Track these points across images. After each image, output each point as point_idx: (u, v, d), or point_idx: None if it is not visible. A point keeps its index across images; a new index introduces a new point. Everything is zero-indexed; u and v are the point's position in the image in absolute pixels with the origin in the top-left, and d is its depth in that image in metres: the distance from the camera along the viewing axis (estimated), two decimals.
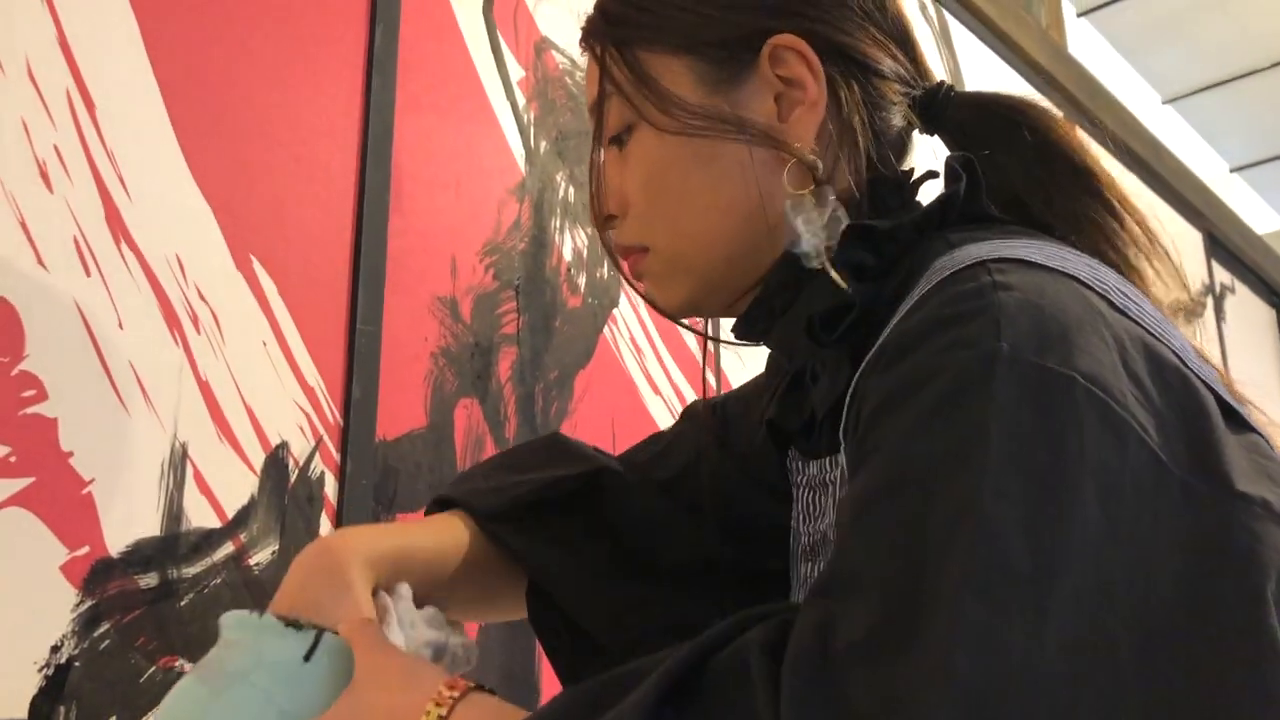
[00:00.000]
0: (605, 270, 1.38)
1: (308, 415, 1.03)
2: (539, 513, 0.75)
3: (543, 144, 1.35)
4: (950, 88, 0.68)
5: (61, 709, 0.82)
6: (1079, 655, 0.42)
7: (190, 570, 0.92)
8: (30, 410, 0.85)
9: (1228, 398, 0.51)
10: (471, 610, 0.77)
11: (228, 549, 0.95)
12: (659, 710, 0.46)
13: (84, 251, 0.90)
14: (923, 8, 2.21)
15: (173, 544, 0.91)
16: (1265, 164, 4.81)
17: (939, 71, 0.70)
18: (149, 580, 0.89)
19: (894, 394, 0.49)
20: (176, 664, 0.89)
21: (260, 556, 0.97)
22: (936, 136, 0.69)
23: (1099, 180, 0.62)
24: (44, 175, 0.89)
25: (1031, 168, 0.62)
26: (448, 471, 1.14)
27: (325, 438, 1.04)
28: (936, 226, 0.61)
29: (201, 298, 0.97)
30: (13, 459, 0.83)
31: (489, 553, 0.73)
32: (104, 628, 0.86)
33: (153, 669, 0.88)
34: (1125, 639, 0.43)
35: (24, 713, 0.80)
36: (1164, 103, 4.31)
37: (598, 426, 1.32)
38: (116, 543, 0.88)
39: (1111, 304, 0.51)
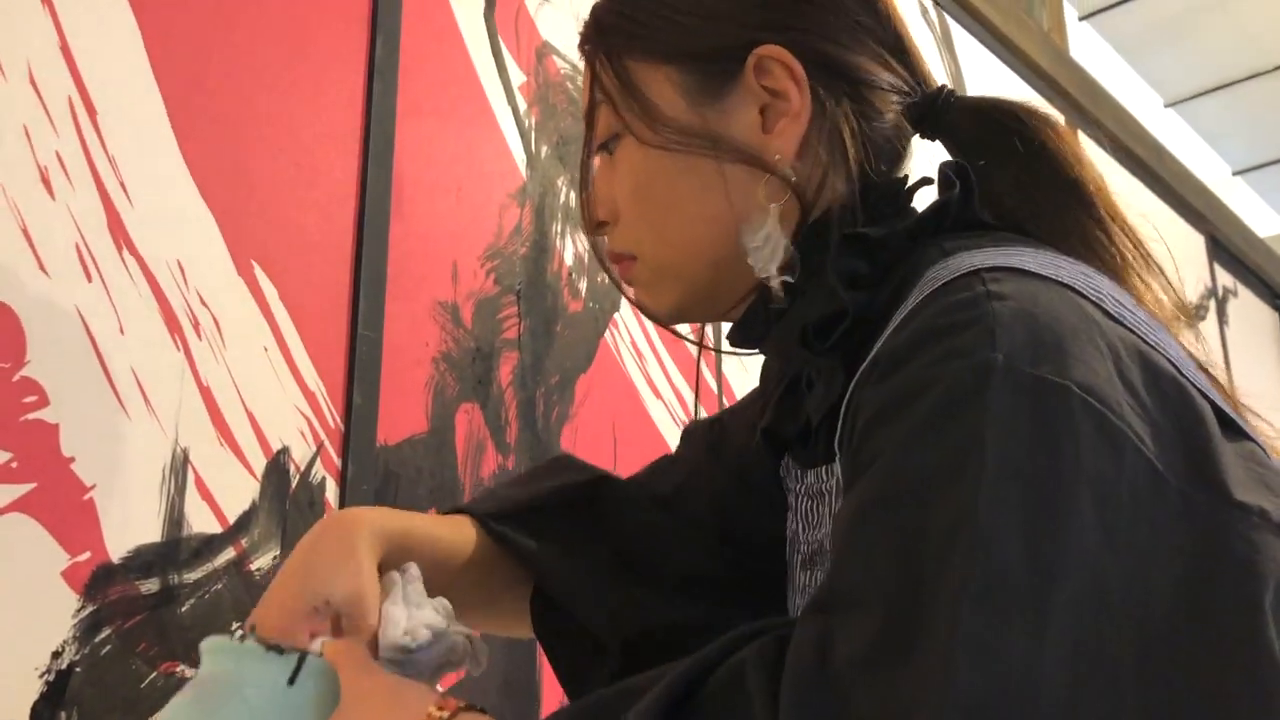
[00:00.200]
0: (606, 275, 1.38)
1: (309, 420, 1.03)
2: (542, 515, 0.76)
3: (544, 149, 1.35)
4: (950, 93, 0.67)
5: (62, 715, 0.82)
6: (1078, 664, 0.42)
7: (191, 576, 0.92)
8: (31, 416, 0.85)
9: (1224, 406, 0.51)
10: (473, 614, 0.77)
11: (229, 554, 0.95)
12: None
13: (85, 257, 0.90)
14: (924, 11, 2.21)
15: (174, 549, 0.91)
16: (1267, 167, 4.80)
17: (940, 76, 0.70)
18: (150, 586, 0.89)
19: (888, 405, 0.49)
20: (178, 669, 0.89)
21: (261, 562, 0.97)
22: (939, 142, 0.69)
23: (1089, 192, 0.62)
24: (45, 181, 0.89)
25: (1020, 178, 0.62)
26: (449, 476, 1.14)
27: (326, 443, 1.04)
28: (931, 234, 0.61)
29: (203, 303, 0.97)
30: (14, 464, 0.83)
31: (492, 552, 0.74)
32: (105, 633, 0.86)
33: (154, 674, 0.88)
34: (1123, 648, 0.43)
35: (25, 719, 0.80)
36: (1166, 106, 4.31)
37: (599, 431, 1.32)
38: (118, 548, 0.88)
39: (1106, 312, 0.51)
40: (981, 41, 2.41)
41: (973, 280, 0.51)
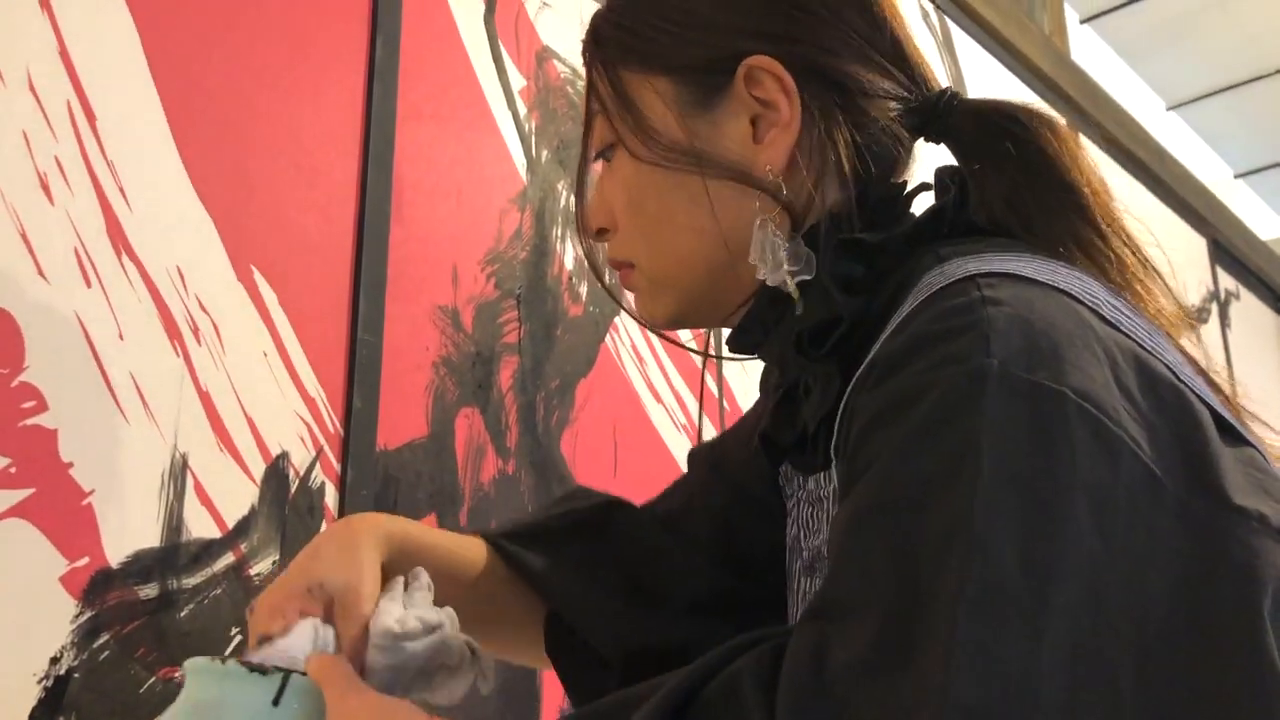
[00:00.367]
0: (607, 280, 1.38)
1: (308, 425, 1.03)
2: (551, 536, 0.79)
3: (544, 153, 1.35)
4: (953, 96, 0.67)
5: None
6: (1076, 670, 0.42)
7: (190, 581, 0.92)
8: (30, 421, 0.85)
9: (1223, 411, 0.51)
10: (480, 632, 0.78)
11: (228, 559, 0.95)
12: None
13: (84, 262, 0.90)
14: (925, 15, 2.21)
15: (173, 555, 0.91)
16: (1270, 170, 4.80)
17: (942, 79, 0.70)
18: (149, 591, 0.89)
19: (884, 411, 0.49)
20: (176, 675, 0.89)
21: (261, 567, 0.97)
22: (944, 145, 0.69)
23: (1085, 198, 0.62)
24: (45, 186, 0.89)
25: (1015, 182, 0.62)
26: (449, 481, 1.14)
27: (326, 448, 1.04)
28: (927, 240, 0.61)
29: (202, 308, 0.97)
30: (12, 470, 0.83)
31: (501, 570, 0.76)
32: (104, 639, 0.86)
33: (152, 680, 0.88)
34: (1121, 655, 0.43)
35: None
36: (1168, 109, 4.30)
37: (599, 435, 1.32)
38: (116, 553, 0.88)
39: (1102, 318, 0.51)
40: (982, 45, 2.41)
41: (968, 286, 0.51)
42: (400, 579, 0.66)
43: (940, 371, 0.47)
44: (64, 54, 0.92)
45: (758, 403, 0.81)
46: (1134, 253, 0.61)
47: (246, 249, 1.01)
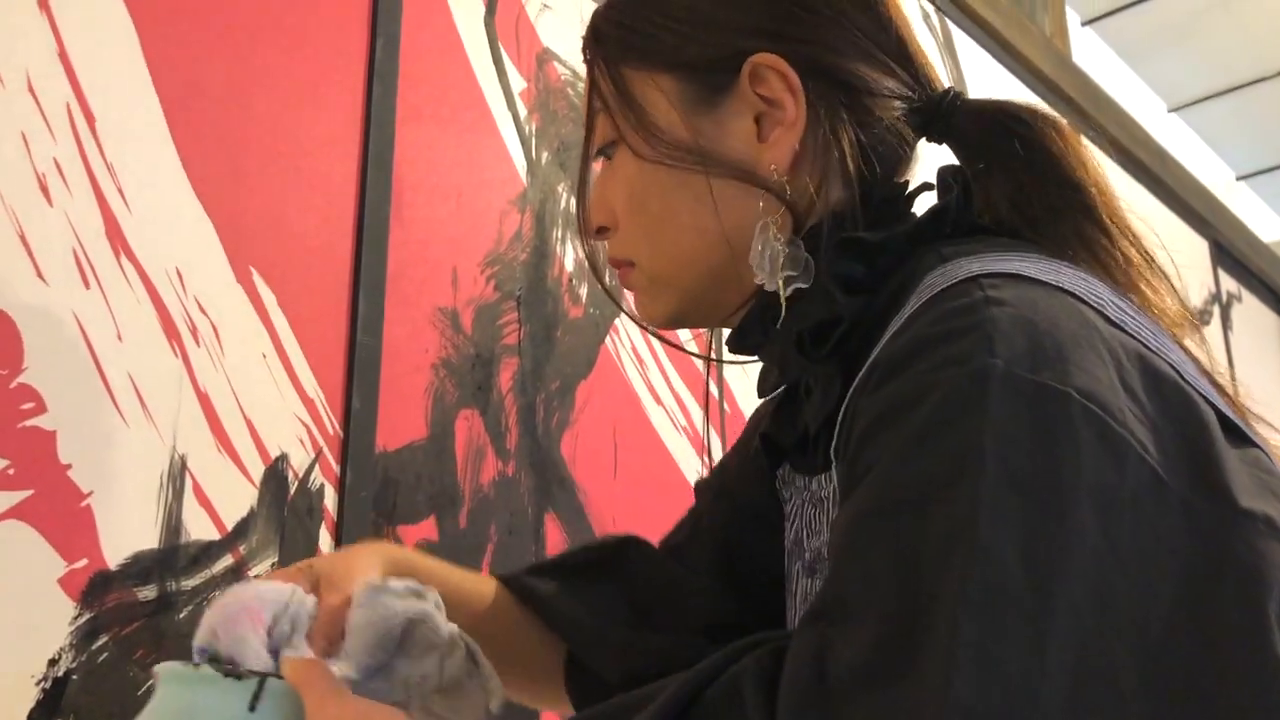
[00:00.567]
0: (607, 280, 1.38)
1: (307, 427, 1.03)
2: (561, 570, 0.80)
3: (544, 155, 1.35)
4: (956, 96, 0.67)
5: None
6: (1079, 676, 0.41)
7: (189, 583, 0.92)
8: (29, 423, 0.85)
9: (1227, 411, 0.51)
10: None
11: (227, 561, 0.94)
12: None
13: (83, 264, 0.90)
14: (925, 17, 2.21)
15: (171, 556, 0.91)
16: (1271, 172, 4.79)
17: (945, 81, 0.70)
18: (147, 593, 0.89)
19: (886, 413, 0.49)
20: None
21: (259, 569, 0.97)
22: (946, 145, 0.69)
23: (1091, 197, 0.61)
24: (44, 188, 0.89)
25: (1021, 182, 0.62)
26: (448, 482, 1.14)
27: (325, 449, 1.04)
28: (929, 239, 0.60)
29: (201, 310, 0.97)
30: (11, 471, 0.83)
31: (511, 608, 0.77)
32: (102, 640, 0.85)
33: (151, 682, 0.87)
34: (1126, 659, 0.43)
35: None
36: (1169, 111, 4.30)
37: (599, 437, 1.32)
38: (115, 555, 0.87)
39: (1106, 318, 0.51)
40: (984, 47, 2.41)
41: (971, 287, 0.51)
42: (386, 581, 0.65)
43: (943, 372, 0.47)
44: (63, 55, 0.92)
45: (756, 411, 0.81)
46: (1140, 253, 0.61)
47: (246, 250, 1.01)
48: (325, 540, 1.02)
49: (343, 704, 0.54)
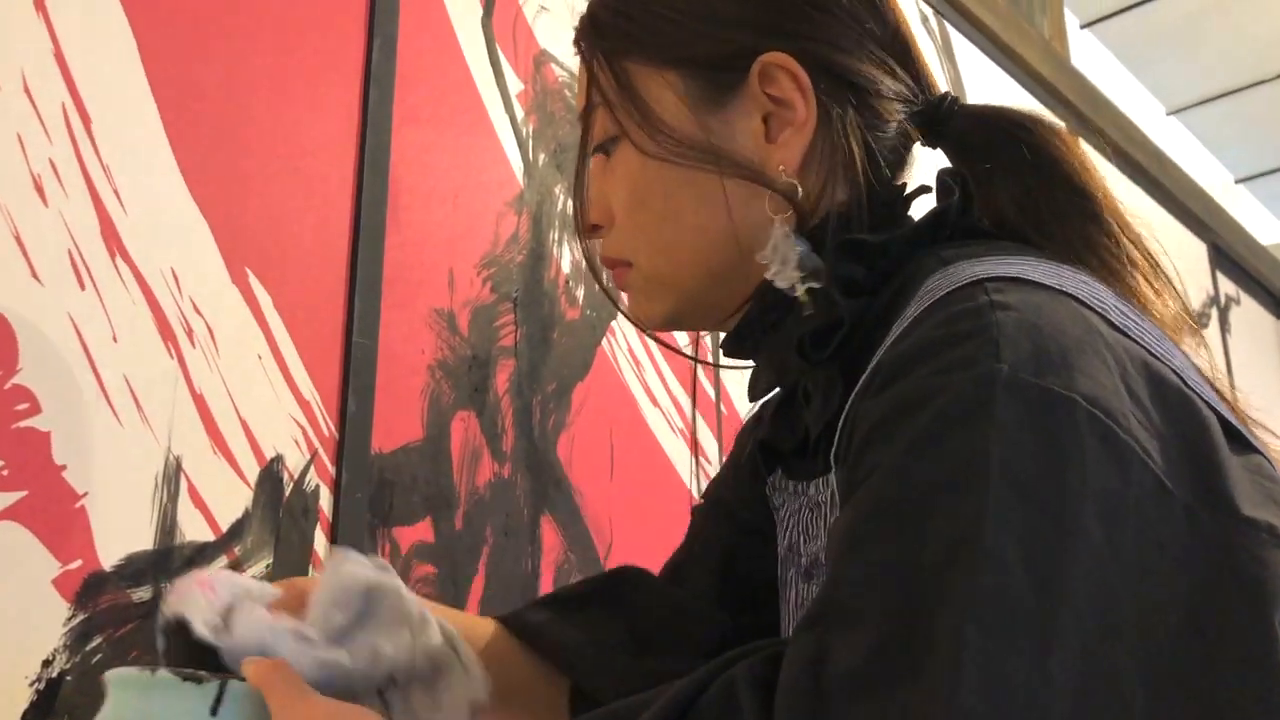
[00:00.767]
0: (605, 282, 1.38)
1: (303, 428, 1.03)
2: (558, 601, 0.79)
3: (541, 157, 1.35)
4: (954, 100, 0.67)
5: None
6: (1084, 682, 0.41)
7: None
8: (23, 424, 0.84)
9: (1230, 418, 0.50)
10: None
11: (221, 563, 0.94)
12: None
13: (78, 265, 0.90)
14: (924, 20, 2.21)
15: (166, 558, 0.91)
16: (1270, 175, 4.79)
17: (942, 84, 0.69)
18: (142, 594, 0.89)
19: (889, 416, 0.48)
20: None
21: (254, 570, 0.96)
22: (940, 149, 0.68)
23: (1096, 202, 0.61)
24: (39, 189, 0.88)
25: (1027, 186, 0.62)
26: (444, 484, 1.14)
27: (320, 451, 1.03)
28: (929, 242, 0.60)
29: (196, 311, 0.97)
30: (5, 472, 0.83)
31: (509, 648, 0.76)
32: (96, 642, 0.85)
33: None
34: (1130, 668, 0.42)
35: None
36: (1168, 114, 4.30)
37: (596, 439, 1.31)
38: (109, 556, 0.87)
39: (1110, 323, 0.50)
40: (982, 50, 2.41)
41: (975, 291, 0.50)
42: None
43: (947, 377, 0.47)
44: (59, 56, 0.92)
45: (746, 421, 0.81)
46: (1145, 257, 0.61)
47: (241, 251, 1.01)
48: (320, 542, 1.02)
49: (311, 705, 0.52)
